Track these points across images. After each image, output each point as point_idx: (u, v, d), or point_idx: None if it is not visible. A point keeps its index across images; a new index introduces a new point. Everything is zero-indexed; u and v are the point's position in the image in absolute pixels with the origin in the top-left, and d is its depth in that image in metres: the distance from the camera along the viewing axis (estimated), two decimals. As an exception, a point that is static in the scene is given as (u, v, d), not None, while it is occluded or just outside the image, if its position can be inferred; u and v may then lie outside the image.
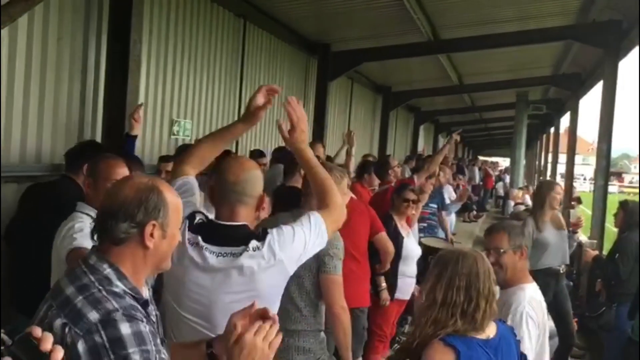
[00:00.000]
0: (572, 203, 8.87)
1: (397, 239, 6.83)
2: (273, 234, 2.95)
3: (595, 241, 8.66)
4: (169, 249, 2.28)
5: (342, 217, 3.26)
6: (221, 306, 2.86)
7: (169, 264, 2.35)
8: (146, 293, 2.28)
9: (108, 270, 2.12)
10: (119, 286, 2.11)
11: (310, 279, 4.08)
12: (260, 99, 3.18)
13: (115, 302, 2.04)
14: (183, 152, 3.60)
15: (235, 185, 2.99)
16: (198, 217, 3.03)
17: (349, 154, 8.84)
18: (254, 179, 3.06)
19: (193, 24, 8.56)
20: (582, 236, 12.86)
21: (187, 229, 2.96)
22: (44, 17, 5.85)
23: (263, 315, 2.20)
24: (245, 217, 3.03)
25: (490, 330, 3.01)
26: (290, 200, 4.66)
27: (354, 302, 5.05)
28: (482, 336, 2.96)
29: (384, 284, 6.65)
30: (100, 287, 2.07)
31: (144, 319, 2.10)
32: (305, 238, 3.02)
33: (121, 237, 2.14)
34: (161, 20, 7.80)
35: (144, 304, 2.18)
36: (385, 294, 6.66)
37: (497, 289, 3.15)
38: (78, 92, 6.45)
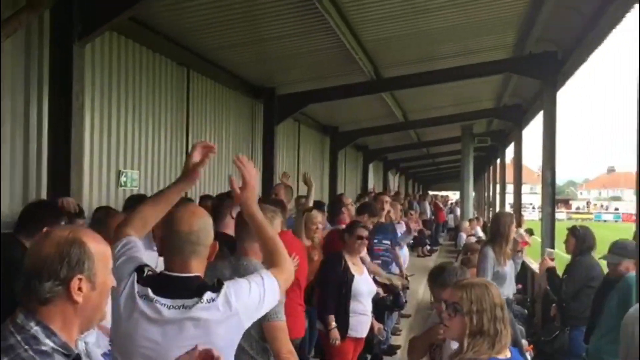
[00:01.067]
0: (524, 238, 8.97)
1: (347, 278, 6.87)
2: (229, 286, 2.91)
3: (554, 250, 8.76)
4: (101, 299, 2.21)
5: (291, 277, 3.28)
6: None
7: (104, 315, 2.29)
8: (80, 347, 2.23)
9: (35, 329, 2.04)
10: (47, 344, 2.03)
11: (255, 327, 4.05)
12: (196, 157, 3.17)
13: None
14: (130, 208, 3.55)
15: (189, 236, 2.93)
16: (147, 270, 2.97)
17: (308, 196, 8.83)
18: (207, 227, 3.01)
19: (136, 74, 8.54)
20: (533, 264, 13.04)
21: (135, 282, 2.90)
22: (-17, 74, 5.79)
23: (207, 356, 2.18)
24: (197, 268, 2.97)
25: (507, 352, 3.27)
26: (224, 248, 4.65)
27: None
28: (502, 356, 3.21)
29: (333, 324, 6.70)
30: (27, 347, 2.00)
31: None
32: (260, 294, 3.00)
33: (47, 296, 2.06)
34: (103, 71, 7.77)
35: (76, 359, 2.13)
36: (334, 333, 6.69)
37: None
38: (21, 147, 6.38)
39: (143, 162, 8.81)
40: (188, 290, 2.88)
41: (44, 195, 6.41)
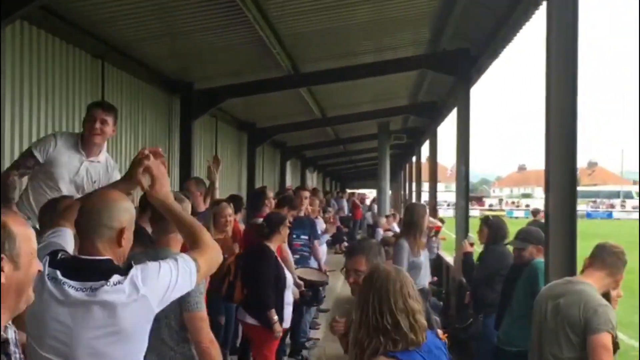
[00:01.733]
0: (436, 223, 9.19)
1: (279, 270, 6.92)
2: (137, 269, 2.90)
3: (473, 236, 8.97)
4: (26, 279, 2.18)
5: (216, 256, 3.25)
6: (83, 342, 2.80)
7: (31, 297, 2.25)
8: (10, 335, 2.20)
9: None
10: None
11: (175, 317, 4.03)
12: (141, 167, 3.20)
13: None
14: (64, 208, 3.50)
15: (91, 214, 2.93)
16: (61, 254, 2.97)
17: (213, 187, 8.75)
18: (112, 209, 2.96)
19: (49, 65, 8.33)
20: (448, 257, 13.33)
21: (47, 264, 2.88)
22: None
23: None
24: (105, 249, 2.94)
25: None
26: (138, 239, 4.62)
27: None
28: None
29: (275, 317, 6.69)
30: None
31: None
32: (172, 276, 2.96)
33: None
34: (14, 62, 7.56)
35: (4, 344, 2.09)
36: (278, 327, 6.72)
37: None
38: None
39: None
40: (96, 273, 2.86)
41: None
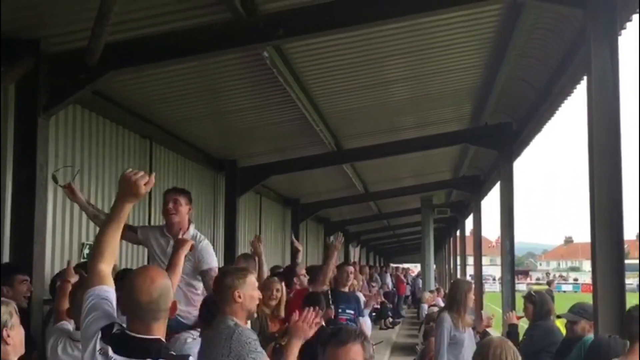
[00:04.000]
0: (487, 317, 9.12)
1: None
2: None
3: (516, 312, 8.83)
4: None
5: None
6: None
7: None
8: None
9: None
10: None
11: None
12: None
13: None
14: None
15: (149, 305, 3.00)
16: (115, 328, 3.04)
17: (261, 263, 8.72)
18: (166, 292, 3.08)
19: (99, 146, 8.60)
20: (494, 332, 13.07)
21: (99, 338, 2.98)
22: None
23: None
24: (158, 330, 3.05)
25: None
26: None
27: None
28: None
29: None
30: None
31: None
32: None
33: None
34: (67, 144, 7.82)
35: None
36: None
37: None
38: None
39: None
40: (147, 352, 2.96)
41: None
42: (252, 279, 4.22)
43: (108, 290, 3.22)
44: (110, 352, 2.94)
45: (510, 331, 7.65)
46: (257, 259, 8.39)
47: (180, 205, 5.93)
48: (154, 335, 3.02)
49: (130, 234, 6.10)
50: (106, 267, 3.28)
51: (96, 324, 3.06)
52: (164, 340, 3.08)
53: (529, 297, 7.74)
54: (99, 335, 2.99)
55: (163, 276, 3.17)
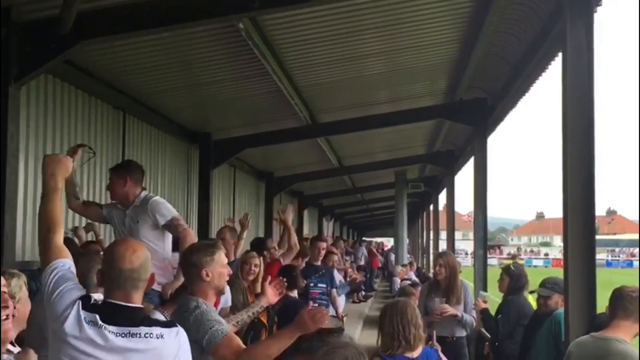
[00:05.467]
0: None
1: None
2: (181, 330, 3.15)
3: (487, 293, 8.90)
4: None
5: None
6: None
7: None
8: None
9: None
10: None
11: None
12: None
13: None
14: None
15: (131, 273, 3.07)
16: (93, 299, 3.08)
17: (240, 238, 8.76)
18: (146, 262, 3.16)
19: (72, 117, 8.50)
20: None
21: (80, 308, 2.99)
22: None
23: None
24: (138, 299, 3.12)
25: (418, 352, 4.68)
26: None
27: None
28: (410, 355, 4.65)
29: None
30: None
31: None
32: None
33: None
34: (38, 114, 7.72)
35: None
36: None
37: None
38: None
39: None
40: (134, 319, 3.02)
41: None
42: (220, 256, 4.16)
43: (69, 262, 3.26)
44: (100, 321, 2.97)
45: (484, 317, 7.73)
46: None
47: (113, 184, 6.06)
48: (135, 304, 3.08)
49: (96, 209, 6.33)
50: (59, 239, 3.32)
51: (70, 294, 3.07)
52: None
53: (506, 270, 7.81)
54: (80, 306, 3.00)
55: (143, 247, 3.27)
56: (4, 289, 2.39)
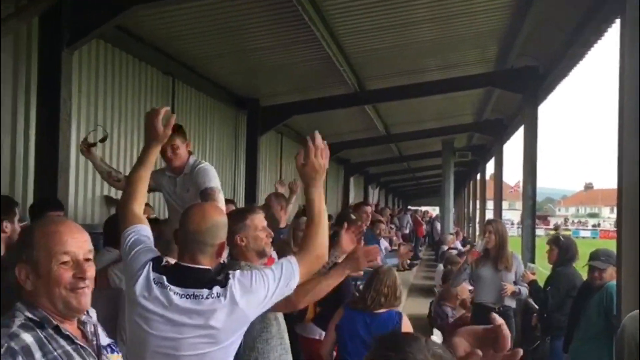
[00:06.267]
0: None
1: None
2: (235, 280, 3.09)
3: (534, 265, 8.83)
4: (52, 284, 2.32)
5: (319, 262, 3.44)
6: (186, 345, 3.01)
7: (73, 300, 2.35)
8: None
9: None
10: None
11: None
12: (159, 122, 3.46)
13: None
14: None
15: (196, 235, 3.13)
16: (165, 260, 3.16)
17: (288, 202, 8.73)
18: (215, 228, 3.19)
19: (122, 82, 8.58)
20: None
21: (151, 270, 3.08)
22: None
23: None
24: (205, 261, 3.16)
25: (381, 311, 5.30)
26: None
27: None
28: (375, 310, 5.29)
29: None
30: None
31: None
32: (268, 287, 3.15)
33: None
34: (90, 79, 7.81)
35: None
36: None
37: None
38: (8, 154, 6.38)
39: (128, 168, 8.79)
40: (199, 281, 3.06)
41: (30, 203, 6.39)
42: (254, 220, 4.15)
43: (145, 228, 3.34)
44: (166, 282, 3.04)
45: (533, 289, 7.66)
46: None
47: (178, 149, 5.61)
48: (203, 266, 3.14)
49: None
50: (139, 208, 3.41)
51: (144, 256, 3.16)
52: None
53: (555, 241, 7.69)
54: (150, 267, 3.09)
55: (218, 213, 3.31)
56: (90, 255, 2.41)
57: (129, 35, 8.45)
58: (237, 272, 3.15)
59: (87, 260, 2.36)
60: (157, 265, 3.11)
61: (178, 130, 5.64)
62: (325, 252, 3.45)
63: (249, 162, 12.80)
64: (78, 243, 2.35)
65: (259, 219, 4.24)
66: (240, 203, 12.13)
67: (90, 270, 2.36)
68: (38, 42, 6.53)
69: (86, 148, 5.68)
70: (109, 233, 5.08)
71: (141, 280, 3.07)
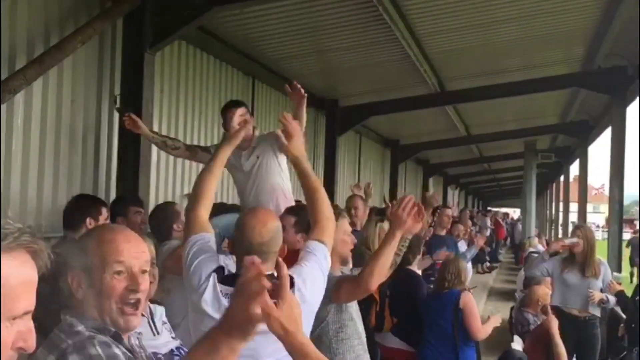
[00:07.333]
0: None
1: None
2: (298, 278, 3.05)
3: (621, 274, 8.59)
4: (104, 294, 2.20)
5: (332, 230, 3.45)
6: (265, 353, 2.94)
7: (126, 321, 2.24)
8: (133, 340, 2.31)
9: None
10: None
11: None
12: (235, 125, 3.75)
13: None
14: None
15: (261, 246, 3.05)
16: (227, 270, 3.13)
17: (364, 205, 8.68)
18: (277, 234, 3.13)
19: (203, 83, 8.66)
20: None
21: (217, 282, 3.04)
22: (58, 81, 5.93)
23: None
24: (269, 270, 3.07)
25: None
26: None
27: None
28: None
29: None
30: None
31: None
32: (323, 275, 3.20)
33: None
34: (172, 80, 7.90)
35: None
36: None
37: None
38: (92, 155, 6.51)
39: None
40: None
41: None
42: (342, 224, 4.12)
43: (209, 237, 3.29)
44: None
45: (620, 299, 7.45)
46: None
47: (248, 122, 5.28)
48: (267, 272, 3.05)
49: (205, 155, 5.80)
50: (205, 213, 3.37)
51: (207, 265, 3.11)
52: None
53: None
54: (215, 278, 3.05)
55: (275, 218, 3.23)
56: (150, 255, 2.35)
57: (210, 37, 8.52)
58: (296, 267, 3.14)
59: (144, 272, 2.23)
60: (221, 276, 3.07)
61: (242, 104, 5.69)
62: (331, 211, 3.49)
63: (328, 162, 12.80)
64: (134, 253, 2.21)
65: (346, 224, 4.23)
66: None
67: (145, 283, 2.22)
68: (122, 43, 6.64)
69: (131, 122, 5.56)
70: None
71: (208, 292, 3.04)
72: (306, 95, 5.15)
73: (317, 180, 3.57)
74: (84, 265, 2.16)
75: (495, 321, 6.54)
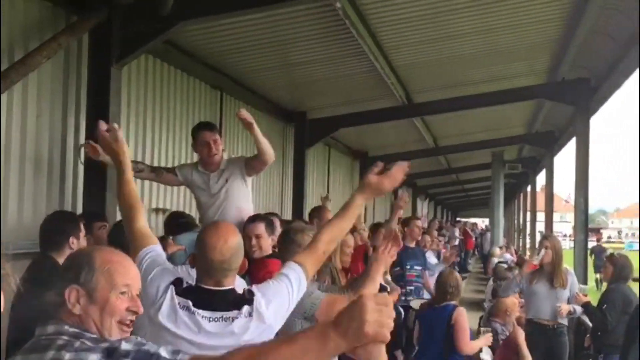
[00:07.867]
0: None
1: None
2: (258, 294, 3.05)
3: (586, 286, 8.72)
4: (105, 313, 2.29)
5: (319, 262, 3.42)
6: None
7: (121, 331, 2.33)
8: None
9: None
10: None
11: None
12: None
13: None
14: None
15: (222, 264, 3.04)
16: (185, 283, 3.09)
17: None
18: (238, 251, 3.12)
19: (170, 96, 8.63)
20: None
21: (174, 294, 3.01)
22: (23, 96, 5.89)
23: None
24: (230, 283, 3.11)
25: None
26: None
27: None
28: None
29: None
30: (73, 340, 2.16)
31: None
32: (290, 296, 3.14)
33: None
34: (139, 93, 7.86)
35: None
36: None
37: None
38: (58, 169, 6.46)
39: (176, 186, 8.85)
40: (226, 303, 3.02)
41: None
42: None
43: (158, 248, 3.29)
44: (192, 307, 2.99)
45: (588, 310, 7.57)
46: None
47: (219, 144, 5.92)
48: (227, 287, 3.08)
49: (170, 176, 6.18)
50: (145, 223, 3.35)
51: (164, 278, 3.09)
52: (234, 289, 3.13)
53: (611, 259, 7.65)
54: (173, 291, 3.02)
55: (236, 234, 3.20)
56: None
57: (177, 50, 8.51)
58: (264, 285, 3.15)
59: (138, 296, 2.36)
60: (179, 288, 3.05)
61: (215, 128, 6.13)
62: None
63: (297, 175, 12.81)
64: (135, 277, 2.37)
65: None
66: (288, 215, 12.14)
67: (141, 308, 2.36)
68: (88, 57, 6.61)
69: (91, 149, 5.17)
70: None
71: (165, 305, 3.01)
72: (253, 121, 5.50)
73: (354, 221, 3.55)
74: (87, 281, 2.24)
75: (486, 341, 6.73)
